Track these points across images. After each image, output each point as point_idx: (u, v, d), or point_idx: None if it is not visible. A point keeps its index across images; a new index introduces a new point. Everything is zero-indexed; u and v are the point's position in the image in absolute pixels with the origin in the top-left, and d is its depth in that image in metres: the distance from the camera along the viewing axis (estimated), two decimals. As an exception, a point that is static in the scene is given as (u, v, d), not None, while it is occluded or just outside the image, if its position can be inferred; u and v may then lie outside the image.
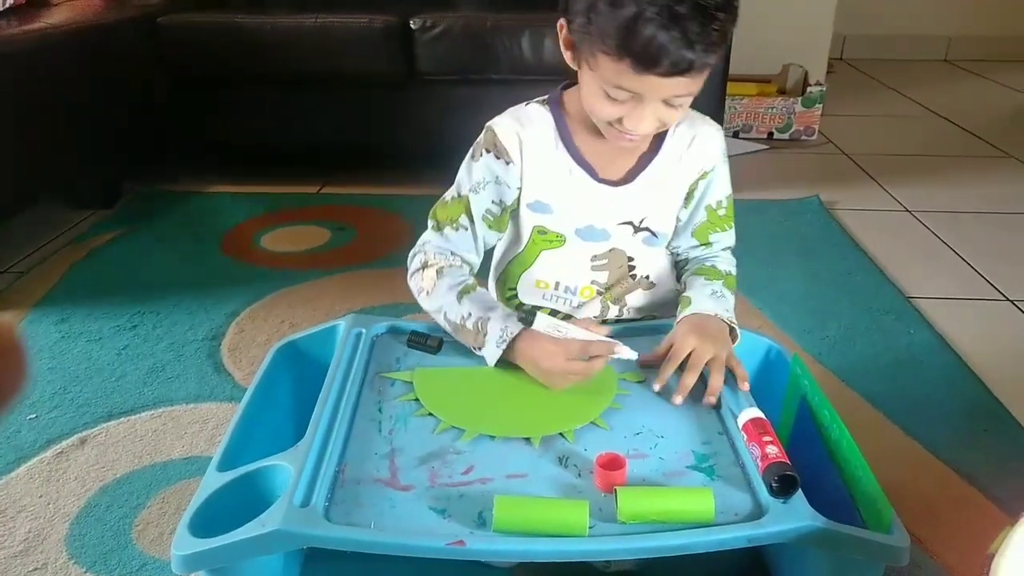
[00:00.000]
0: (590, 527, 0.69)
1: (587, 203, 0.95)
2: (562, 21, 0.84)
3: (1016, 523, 0.62)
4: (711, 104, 1.98)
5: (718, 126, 0.97)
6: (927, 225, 1.93)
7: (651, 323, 1.01)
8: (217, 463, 0.79)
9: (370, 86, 2.02)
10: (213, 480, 0.77)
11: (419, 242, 0.99)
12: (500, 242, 1.03)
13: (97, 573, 0.91)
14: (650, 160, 0.94)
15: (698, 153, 0.95)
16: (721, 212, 1.00)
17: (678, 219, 1.00)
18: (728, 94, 2.07)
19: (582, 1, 0.78)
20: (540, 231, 0.98)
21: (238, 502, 0.75)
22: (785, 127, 2.57)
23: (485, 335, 0.88)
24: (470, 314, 0.90)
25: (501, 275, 1.04)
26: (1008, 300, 1.57)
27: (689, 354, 0.86)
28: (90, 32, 1.84)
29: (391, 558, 0.70)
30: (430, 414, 0.84)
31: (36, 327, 1.45)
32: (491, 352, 0.88)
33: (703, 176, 0.97)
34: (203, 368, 1.32)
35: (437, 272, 0.94)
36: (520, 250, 1.00)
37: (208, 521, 0.72)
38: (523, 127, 0.93)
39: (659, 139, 0.94)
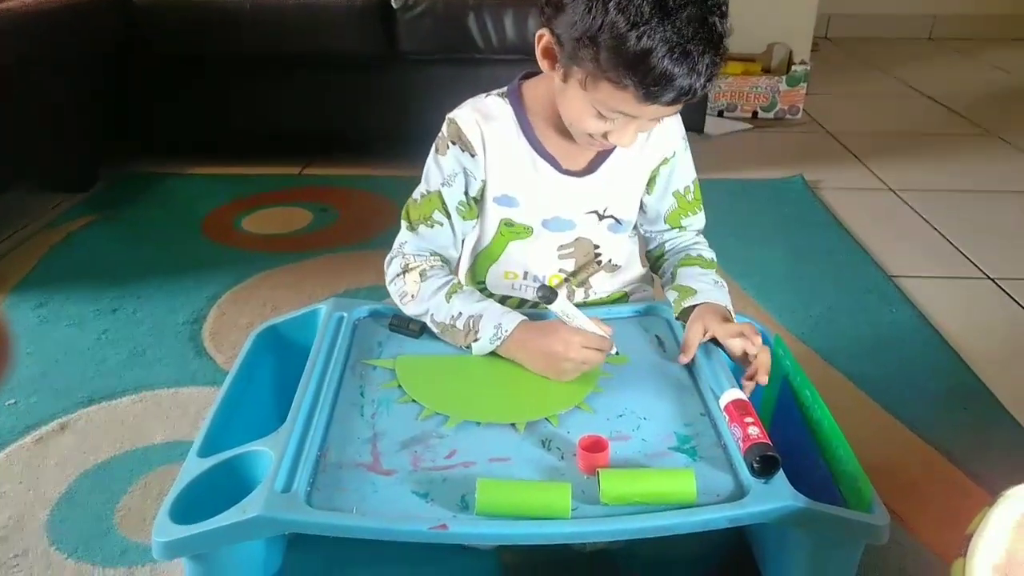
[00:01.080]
0: (572, 509, 0.69)
1: (553, 195, 0.94)
2: (544, 32, 0.81)
3: (994, 503, 0.63)
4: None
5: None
6: (910, 204, 1.94)
7: (633, 306, 1.01)
8: (198, 449, 0.79)
9: (351, 66, 2.00)
10: (194, 466, 0.77)
11: (395, 245, 0.97)
12: (468, 237, 1.01)
13: (79, 559, 0.91)
14: (612, 150, 0.93)
15: (659, 139, 0.95)
16: (689, 197, 1.00)
17: (643, 204, 1.00)
18: (713, 73, 2.05)
19: (579, 23, 0.75)
20: (507, 223, 0.97)
21: (219, 488, 0.74)
22: (770, 106, 2.57)
23: (477, 332, 0.88)
24: (460, 313, 0.89)
25: (468, 269, 1.03)
26: (989, 279, 1.58)
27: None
28: (62, 12, 1.80)
29: (374, 543, 0.70)
30: (413, 401, 0.83)
31: (14, 312, 1.43)
32: (483, 349, 0.88)
33: (664, 162, 0.97)
34: (184, 352, 1.31)
35: (420, 275, 0.93)
36: (487, 243, 0.99)
37: (189, 507, 0.72)
38: (485, 120, 0.92)
39: None
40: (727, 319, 0.90)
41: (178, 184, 2.04)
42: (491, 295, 1.01)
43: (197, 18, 1.93)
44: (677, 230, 1.02)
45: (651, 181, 0.98)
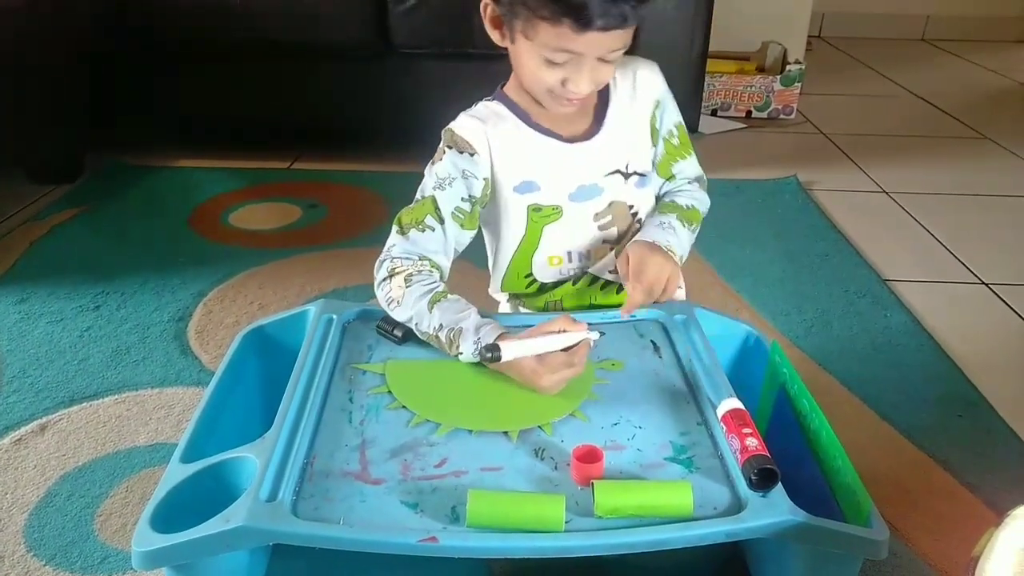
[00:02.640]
0: (567, 522, 0.68)
1: (567, 165, 0.96)
2: (486, 0, 0.87)
3: (1000, 524, 0.62)
4: (690, 81, 1.96)
5: (652, 62, 1.00)
6: (904, 207, 1.93)
7: (616, 313, 1.00)
8: (180, 454, 0.77)
9: (343, 59, 1.97)
10: (176, 472, 0.75)
11: (384, 248, 0.95)
12: (503, 236, 1.00)
13: (57, 566, 0.88)
14: (605, 110, 0.96)
15: (645, 86, 0.98)
16: (675, 141, 1.02)
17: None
18: (707, 71, 2.04)
19: None
20: (535, 209, 0.97)
21: (202, 495, 0.72)
22: (764, 105, 2.56)
23: (459, 347, 0.86)
24: (441, 325, 0.87)
25: (510, 266, 1.02)
26: (983, 283, 1.57)
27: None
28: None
29: (361, 554, 0.68)
30: (404, 407, 0.81)
31: (-6, 307, 1.40)
32: (469, 360, 0.86)
33: (657, 106, 0.99)
34: (169, 351, 1.28)
35: (405, 279, 0.91)
36: (523, 235, 0.99)
37: (170, 515, 0.70)
38: (482, 120, 0.94)
39: (604, 91, 0.96)
40: (652, 249, 0.92)
41: (165, 177, 2.00)
42: (543, 285, 1.02)
43: (186, 7, 1.89)
44: (669, 181, 1.04)
45: (653, 131, 1.00)
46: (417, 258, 0.93)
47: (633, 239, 0.97)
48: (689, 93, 1.96)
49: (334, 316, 0.95)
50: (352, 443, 0.77)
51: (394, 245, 0.94)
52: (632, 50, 0.88)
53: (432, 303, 0.89)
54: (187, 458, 0.76)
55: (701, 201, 1.04)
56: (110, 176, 1.99)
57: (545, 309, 1.03)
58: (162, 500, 0.71)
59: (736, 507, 0.69)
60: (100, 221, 1.76)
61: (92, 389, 1.18)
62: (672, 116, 1.01)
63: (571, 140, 0.95)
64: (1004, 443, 1.11)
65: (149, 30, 1.94)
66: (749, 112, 2.56)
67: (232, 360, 0.91)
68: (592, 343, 0.84)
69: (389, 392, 0.84)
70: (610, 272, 1.01)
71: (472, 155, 0.93)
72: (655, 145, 1.01)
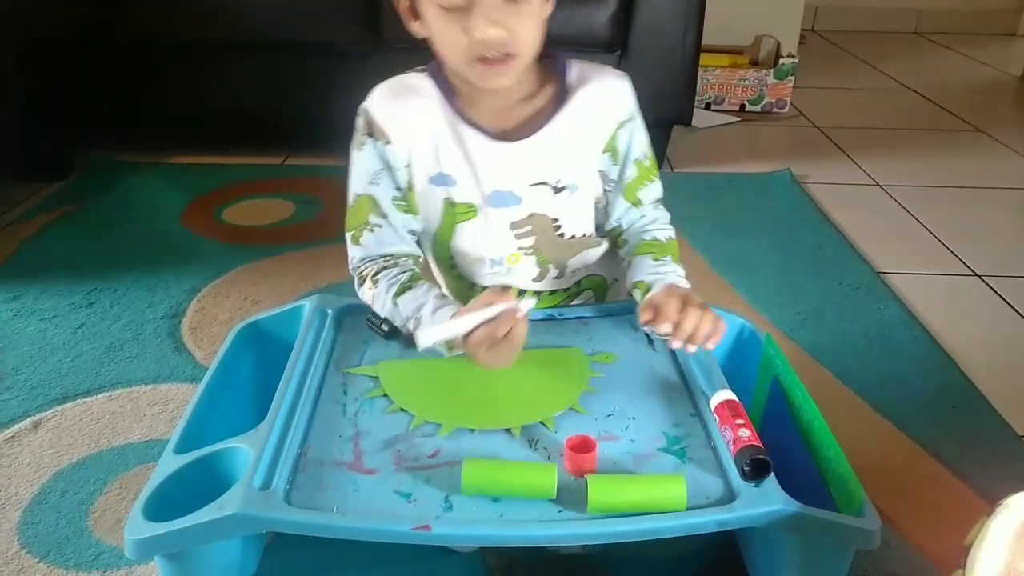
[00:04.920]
0: (558, 511, 0.68)
1: (488, 166, 0.89)
2: None
3: (992, 513, 0.62)
4: (683, 75, 1.95)
5: (624, 75, 0.93)
6: (897, 199, 1.94)
7: (622, 304, 0.99)
8: (174, 445, 0.77)
9: (335, 54, 1.96)
10: (169, 462, 0.75)
11: (349, 264, 0.93)
12: (425, 219, 0.95)
13: (51, 563, 0.88)
14: (553, 114, 0.88)
15: (615, 103, 0.91)
16: (647, 163, 0.95)
17: (605, 175, 0.95)
18: (700, 65, 2.04)
19: None
20: (450, 203, 0.92)
21: (196, 485, 0.72)
22: (757, 99, 2.56)
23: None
24: (407, 318, 0.86)
25: (434, 250, 0.98)
26: (976, 275, 1.58)
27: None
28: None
29: (354, 543, 0.68)
30: (402, 410, 0.80)
31: (-14, 305, 1.39)
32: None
33: (621, 126, 0.91)
34: (163, 347, 1.28)
35: (372, 280, 0.89)
36: (437, 226, 0.94)
37: (164, 505, 0.70)
38: (399, 100, 0.89)
39: (560, 93, 0.89)
40: (685, 291, 0.86)
41: (157, 173, 2.00)
42: (468, 281, 0.97)
43: (177, 4, 1.88)
44: (635, 207, 0.96)
45: (612, 148, 0.92)
46: (379, 257, 0.91)
47: (650, 293, 0.88)
48: (682, 87, 1.96)
49: (329, 310, 0.95)
50: (346, 433, 0.77)
51: (354, 256, 0.92)
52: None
53: (396, 296, 0.87)
54: (180, 449, 0.76)
55: (670, 226, 0.98)
56: (101, 173, 1.98)
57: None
58: (155, 490, 0.71)
59: (729, 497, 0.69)
60: (92, 218, 1.75)
61: (86, 386, 1.18)
62: (643, 138, 0.94)
63: (498, 137, 0.88)
64: (996, 434, 1.12)
65: (139, 27, 1.92)
66: (742, 106, 2.57)
67: (226, 355, 0.91)
68: (520, 313, 0.79)
69: (385, 395, 0.83)
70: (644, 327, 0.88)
71: (387, 143, 0.88)
72: (618, 165, 0.93)
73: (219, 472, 0.75)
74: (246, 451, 0.74)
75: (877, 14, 3.88)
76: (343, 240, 0.94)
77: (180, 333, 1.32)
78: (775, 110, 2.57)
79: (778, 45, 2.59)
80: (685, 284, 0.90)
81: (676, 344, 0.82)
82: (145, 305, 1.40)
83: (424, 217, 0.94)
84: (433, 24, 0.82)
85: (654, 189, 0.97)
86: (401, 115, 0.88)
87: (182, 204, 1.81)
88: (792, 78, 2.53)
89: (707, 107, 2.55)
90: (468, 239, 0.93)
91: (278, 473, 0.71)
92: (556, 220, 0.93)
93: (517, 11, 0.79)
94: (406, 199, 0.92)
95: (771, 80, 2.53)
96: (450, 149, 0.89)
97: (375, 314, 0.91)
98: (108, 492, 0.98)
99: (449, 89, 0.88)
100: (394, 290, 0.87)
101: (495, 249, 0.94)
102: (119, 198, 1.86)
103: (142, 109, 2.05)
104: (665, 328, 0.81)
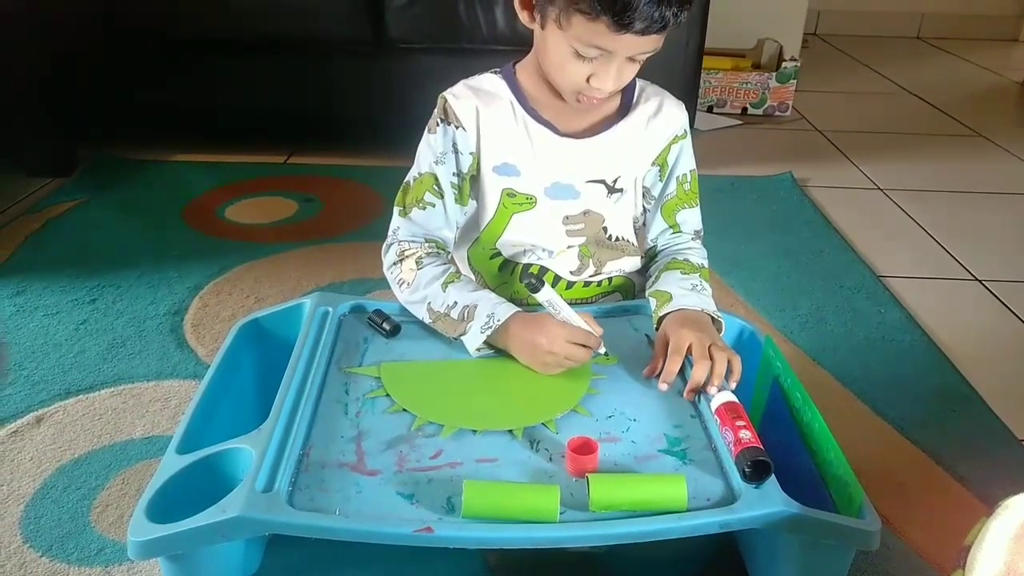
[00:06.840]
0: (561, 512, 0.68)
1: (552, 159, 0.94)
2: None
3: (992, 514, 0.62)
4: (686, 78, 1.96)
5: (682, 102, 0.99)
6: (898, 204, 1.94)
7: (622, 305, 1.00)
8: (176, 445, 0.77)
9: (338, 53, 1.96)
10: (172, 463, 0.75)
11: (390, 232, 0.97)
12: (477, 209, 0.99)
13: (53, 557, 0.88)
14: (617, 121, 0.95)
15: (670, 117, 0.97)
16: (687, 187, 1.00)
17: (647, 190, 1.00)
18: (703, 68, 2.04)
19: None
20: (509, 193, 0.96)
21: (198, 486, 0.73)
22: (759, 102, 2.56)
23: (470, 323, 0.86)
24: (456, 303, 0.88)
25: (475, 244, 1.01)
26: (977, 280, 1.58)
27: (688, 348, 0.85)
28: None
29: (357, 544, 0.69)
30: (404, 410, 0.81)
31: (-11, 300, 1.40)
32: (474, 338, 0.87)
33: (675, 140, 0.98)
34: (165, 344, 1.28)
35: (416, 262, 0.92)
36: (490, 217, 0.97)
37: (166, 506, 0.70)
38: (477, 93, 0.94)
39: (626, 104, 0.95)
40: (703, 326, 0.87)
41: (160, 171, 2.00)
42: (506, 261, 1.00)
43: (181, 1, 1.88)
44: (672, 229, 1.01)
45: (662, 162, 0.98)
46: (423, 240, 0.95)
47: (671, 305, 0.91)
48: (685, 90, 1.96)
49: (330, 309, 0.95)
50: (348, 435, 0.77)
51: (399, 228, 0.96)
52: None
53: (446, 283, 0.90)
54: (183, 449, 0.76)
55: (706, 259, 1.01)
56: (104, 170, 1.98)
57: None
58: (158, 490, 0.72)
59: (730, 498, 0.70)
60: (95, 215, 1.75)
61: (88, 382, 1.18)
62: (689, 161, 0.99)
63: (565, 134, 0.94)
64: (996, 437, 1.12)
65: (144, 25, 1.93)
66: (745, 109, 2.57)
67: (228, 352, 0.91)
68: (600, 345, 0.85)
69: (387, 395, 0.83)
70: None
71: (461, 129, 0.93)
72: (663, 181, 0.99)
73: (222, 472, 0.75)
74: (248, 451, 0.74)
75: (879, 19, 3.88)
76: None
77: (182, 330, 1.32)
78: (777, 113, 2.58)
79: (781, 49, 2.59)
80: (708, 304, 0.92)
81: (688, 396, 0.83)
82: (148, 302, 1.40)
83: (480, 206, 0.97)
84: (553, 45, 0.84)
85: (693, 217, 1.02)
86: (476, 106, 0.93)
87: (184, 202, 1.81)
88: (794, 82, 2.54)
89: (709, 110, 2.56)
90: (521, 231, 0.97)
91: (280, 475, 0.71)
92: (605, 220, 0.98)
93: (635, 67, 0.85)
94: (461, 187, 0.95)
95: (773, 83, 2.53)
96: (518, 141, 0.93)
97: (378, 313, 0.92)
98: (110, 487, 0.98)
99: (520, 91, 0.94)
100: (444, 277, 0.91)
101: (547, 240, 0.98)
102: (122, 195, 1.86)
103: (145, 108, 2.06)
104: (664, 388, 0.84)
